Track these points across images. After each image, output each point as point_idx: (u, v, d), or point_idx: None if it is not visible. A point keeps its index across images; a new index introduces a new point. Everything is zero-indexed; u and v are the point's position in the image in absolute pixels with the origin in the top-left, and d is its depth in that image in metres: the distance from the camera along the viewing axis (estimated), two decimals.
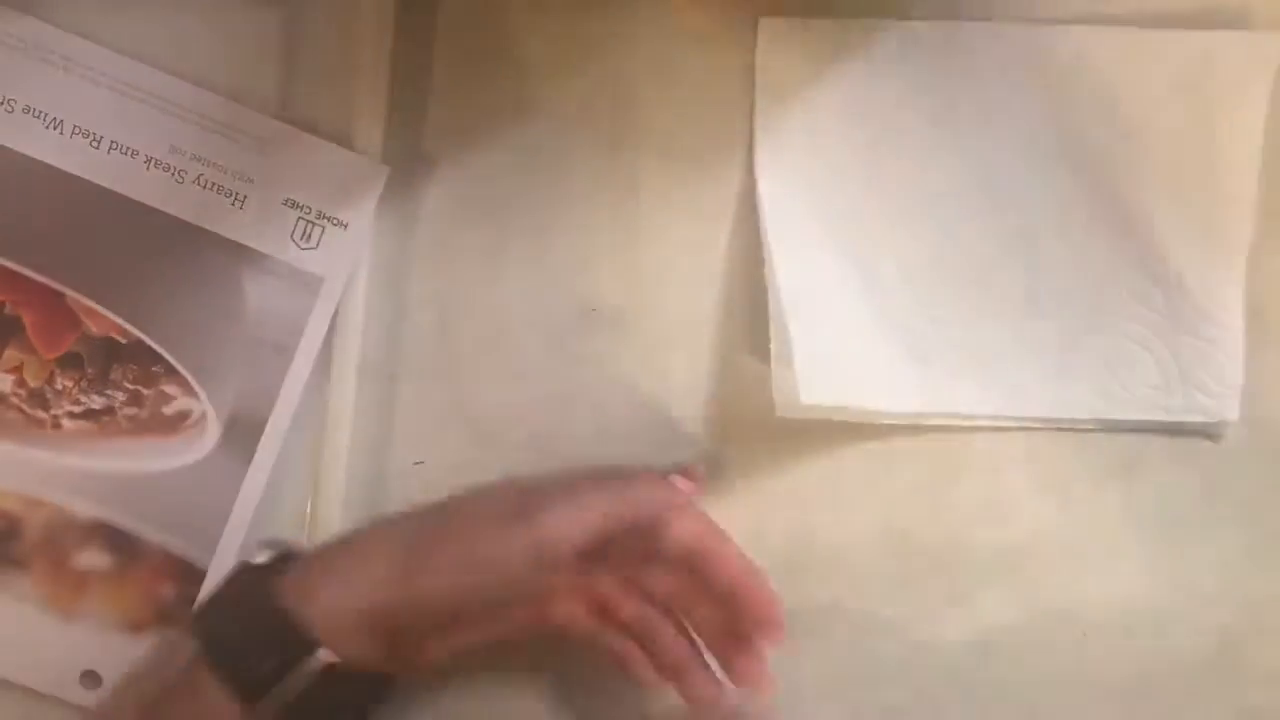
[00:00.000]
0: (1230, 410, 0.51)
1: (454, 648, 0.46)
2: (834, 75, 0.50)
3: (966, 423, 0.51)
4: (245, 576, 0.46)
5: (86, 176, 0.50)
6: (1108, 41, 0.50)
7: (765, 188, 0.51)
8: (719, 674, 0.47)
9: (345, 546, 0.47)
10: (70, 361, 0.51)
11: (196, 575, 0.51)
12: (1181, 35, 0.50)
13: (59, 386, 0.51)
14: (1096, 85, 0.50)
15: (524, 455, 0.52)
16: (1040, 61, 0.50)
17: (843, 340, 0.50)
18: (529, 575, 0.45)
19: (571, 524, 0.45)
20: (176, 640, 0.45)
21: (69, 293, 0.50)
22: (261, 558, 0.47)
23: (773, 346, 0.49)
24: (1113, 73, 0.50)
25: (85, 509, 0.51)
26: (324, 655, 0.44)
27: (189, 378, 0.51)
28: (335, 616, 0.44)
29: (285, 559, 0.47)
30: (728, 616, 0.47)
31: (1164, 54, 0.50)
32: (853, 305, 0.50)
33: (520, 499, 0.47)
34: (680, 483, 0.49)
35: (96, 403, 0.51)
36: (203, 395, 0.51)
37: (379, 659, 0.45)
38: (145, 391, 0.51)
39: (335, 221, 0.51)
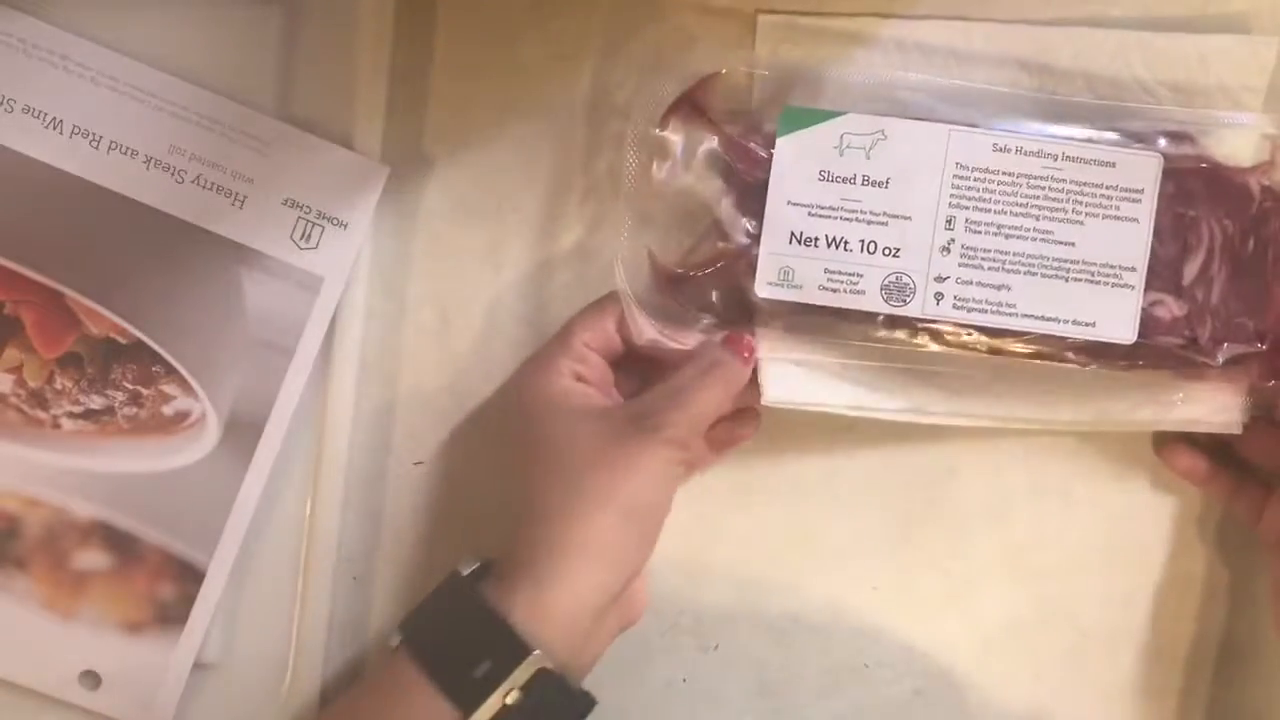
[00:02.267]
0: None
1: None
2: (834, 72, 0.50)
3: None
4: (454, 584, 0.47)
5: (86, 176, 0.50)
6: (1106, 44, 0.50)
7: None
8: None
9: (547, 550, 0.45)
10: (70, 361, 0.51)
11: (196, 575, 0.51)
12: (1178, 38, 0.50)
13: (59, 386, 0.51)
14: (1095, 87, 0.50)
15: None
16: (1039, 63, 0.50)
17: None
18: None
19: (684, 406, 0.47)
20: (388, 655, 0.46)
21: (69, 293, 0.50)
22: (467, 567, 0.47)
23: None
24: (1111, 74, 0.50)
25: (85, 509, 0.51)
26: (537, 659, 0.43)
27: (188, 378, 0.51)
28: (564, 622, 0.44)
29: (488, 566, 0.47)
30: None
31: (1162, 57, 0.50)
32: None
33: (627, 419, 0.47)
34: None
35: (96, 403, 0.51)
36: (202, 395, 0.51)
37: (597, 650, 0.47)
38: (145, 391, 0.51)
39: (335, 221, 0.51)
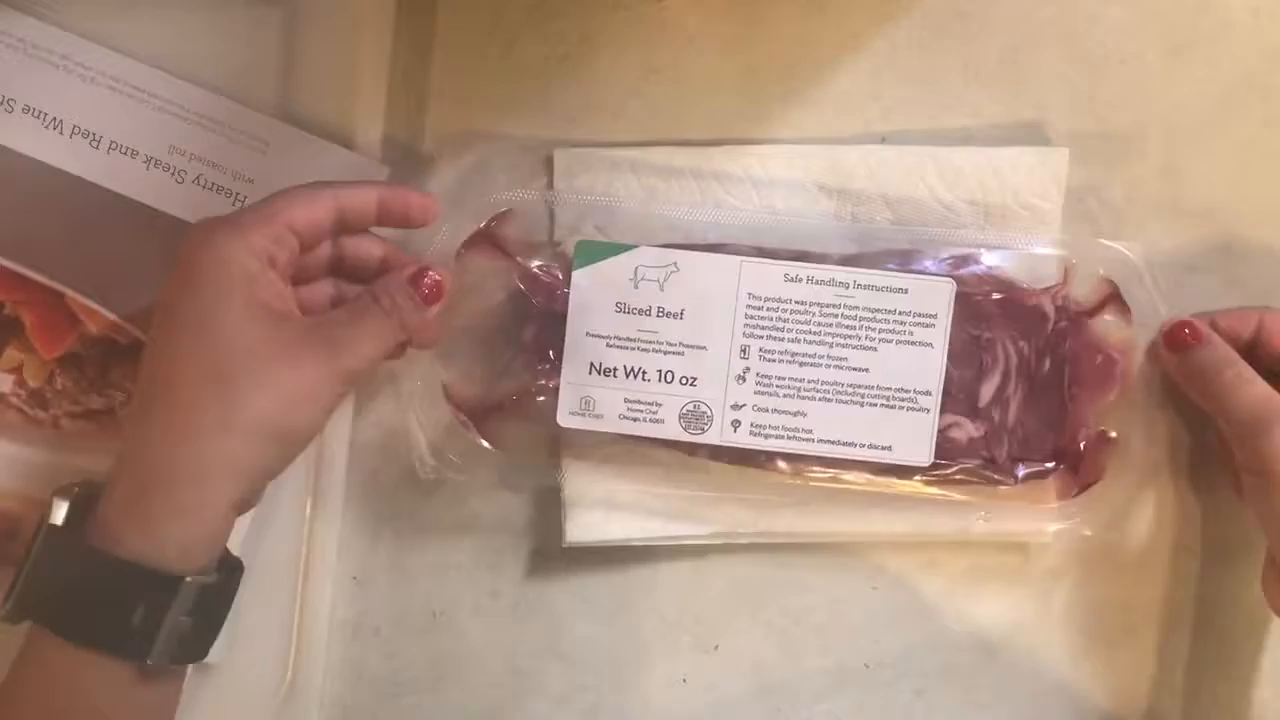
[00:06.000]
0: None
1: None
2: (629, 205, 0.50)
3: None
4: (68, 545, 0.42)
5: (86, 176, 0.50)
6: (901, 161, 0.50)
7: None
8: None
9: (190, 472, 0.41)
10: (70, 361, 0.51)
11: None
12: (971, 152, 0.50)
13: (59, 386, 0.51)
14: (894, 206, 0.50)
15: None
16: (837, 185, 0.50)
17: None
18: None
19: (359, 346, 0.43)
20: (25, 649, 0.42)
21: (69, 293, 0.50)
22: (59, 516, 0.42)
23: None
24: (908, 193, 0.50)
25: None
26: (193, 584, 0.41)
27: None
28: (206, 540, 0.42)
29: (82, 506, 0.43)
30: None
31: (956, 172, 0.50)
32: None
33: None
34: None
35: (96, 403, 0.51)
36: None
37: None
38: None
39: None
